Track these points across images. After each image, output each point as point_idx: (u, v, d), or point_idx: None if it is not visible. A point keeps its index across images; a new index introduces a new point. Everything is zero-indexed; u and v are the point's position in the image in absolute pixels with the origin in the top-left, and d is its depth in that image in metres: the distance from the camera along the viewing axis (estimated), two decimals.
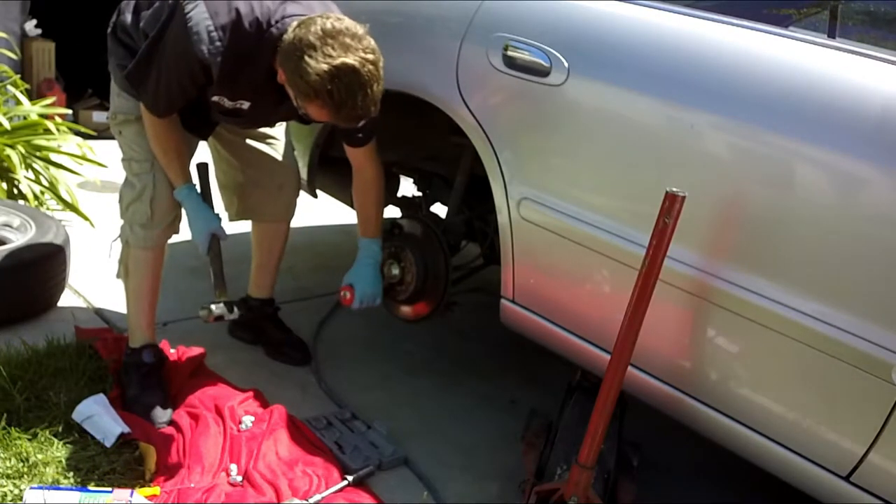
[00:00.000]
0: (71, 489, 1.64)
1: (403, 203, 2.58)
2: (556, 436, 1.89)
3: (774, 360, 1.51)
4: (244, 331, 2.45)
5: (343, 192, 2.60)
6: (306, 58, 1.59)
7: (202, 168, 2.05)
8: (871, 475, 1.41)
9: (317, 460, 1.89)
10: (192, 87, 1.79)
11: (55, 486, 1.67)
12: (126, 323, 2.14)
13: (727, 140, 1.56)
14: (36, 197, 3.13)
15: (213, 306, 2.02)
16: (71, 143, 3.31)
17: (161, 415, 1.96)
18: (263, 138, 2.21)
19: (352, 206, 2.24)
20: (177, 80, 1.77)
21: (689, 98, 1.58)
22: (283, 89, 1.73)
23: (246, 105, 1.84)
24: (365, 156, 2.03)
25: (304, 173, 2.40)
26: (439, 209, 2.49)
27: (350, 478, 1.84)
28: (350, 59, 1.59)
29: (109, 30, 1.96)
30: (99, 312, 2.51)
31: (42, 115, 3.35)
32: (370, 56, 1.62)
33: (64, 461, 1.77)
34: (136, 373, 2.04)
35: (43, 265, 2.38)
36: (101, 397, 1.96)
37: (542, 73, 1.77)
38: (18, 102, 3.43)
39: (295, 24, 1.66)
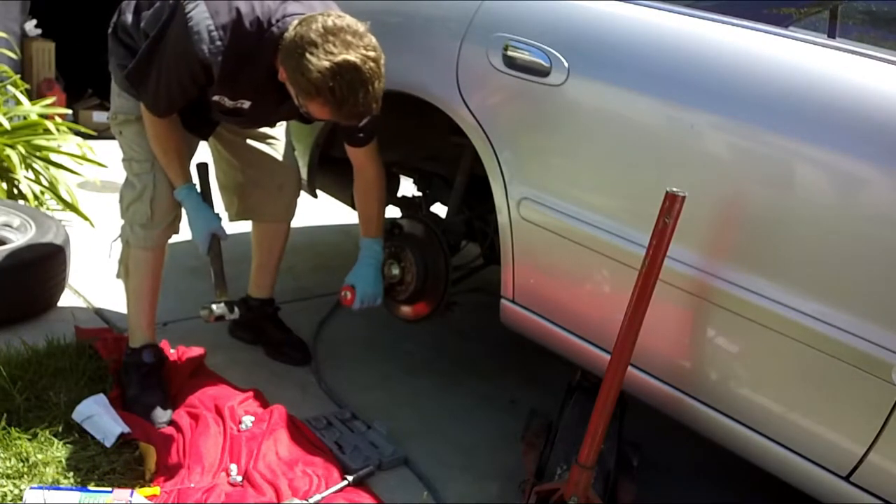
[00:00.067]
0: (71, 489, 1.64)
1: (403, 203, 2.58)
2: (556, 436, 1.89)
3: (774, 360, 1.51)
4: (244, 331, 2.45)
5: (343, 192, 2.60)
6: (308, 55, 1.59)
7: (202, 168, 2.05)
8: (871, 475, 1.41)
9: (317, 460, 1.89)
10: (193, 87, 1.79)
11: (55, 486, 1.67)
12: (126, 323, 2.14)
13: (727, 140, 1.56)
14: (36, 197, 3.13)
15: (213, 306, 2.03)
16: (71, 143, 3.31)
17: (161, 415, 1.96)
18: (264, 138, 2.21)
19: (352, 206, 2.24)
20: (177, 80, 1.77)
21: (689, 98, 1.58)
22: (284, 88, 1.73)
23: (247, 104, 1.84)
24: (366, 155, 2.03)
25: (304, 173, 2.40)
26: (439, 209, 2.49)
27: (350, 478, 1.84)
28: (351, 56, 1.59)
29: (110, 30, 1.96)
30: (99, 312, 2.51)
31: (42, 115, 3.35)
32: (371, 53, 1.62)
33: (64, 461, 1.77)
34: (136, 373, 2.04)
35: (43, 265, 2.38)
36: (101, 397, 1.96)
37: (542, 73, 1.77)
38: (18, 102, 3.43)
39: (296, 22, 1.66)
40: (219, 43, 1.68)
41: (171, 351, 2.24)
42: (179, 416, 1.99)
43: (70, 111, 4.37)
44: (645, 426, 2.04)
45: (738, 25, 1.59)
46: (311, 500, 1.74)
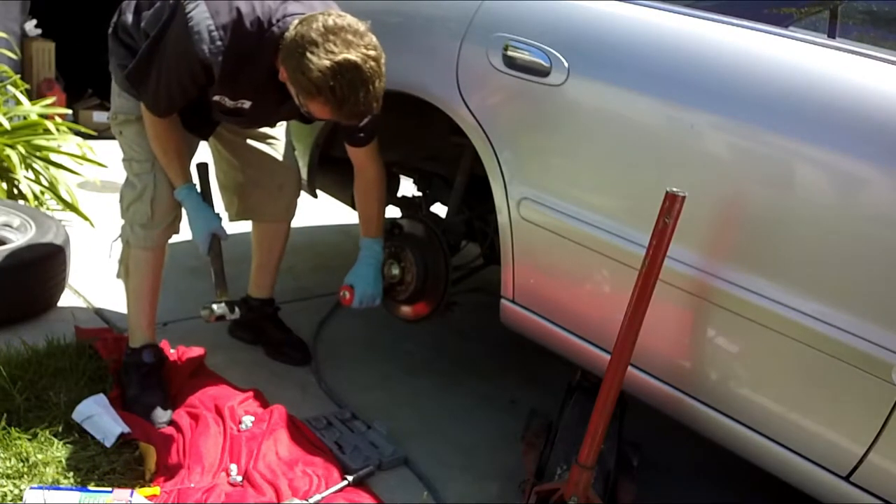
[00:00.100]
0: (71, 489, 1.64)
1: (403, 203, 2.58)
2: (556, 436, 1.89)
3: (774, 360, 1.51)
4: (244, 331, 2.45)
5: (343, 192, 2.60)
6: (308, 54, 1.59)
7: (202, 168, 2.05)
8: (871, 475, 1.41)
9: (317, 460, 1.89)
10: (193, 87, 1.79)
11: (55, 486, 1.67)
12: (126, 323, 2.14)
13: (727, 140, 1.56)
14: (36, 197, 3.13)
15: (214, 306, 2.02)
16: (71, 143, 3.31)
17: (161, 415, 1.96)
18: (264, 138, 2.21)
19: (352, 206, 2.24)
20: (177, 80, 1.77)
21: (689, 98, 1.58)
22: (285, 88, 1.73)
23: (247, 104, 1.84)
24: (367, 155, 2.03)
25: (304, 173, 2.40)
26: (439, 209, 2.49)
27: (350, 478, 1.84)
28: (352, 56, 1.59)
29: (110, 30, 1.96)
30: (99, 312, 2.51)
31: (42, 115, 3.35)
32: (372, 52, 1.62)
33: (64, 461, 1.76)
34: (136, 373, 2.04)
35: (43, 265, 2.38)
36: (101, 397, 1.96)
37: (542, 73, 1.77)
38: (18, 102, 3.43)
39: (296, 21, 1.66)
40: (219, 43, 1.68)
41: (171, 351, 2.24)
42: (179, 416, 1.99)
43: (70, 111, 4.37)
44: (645, 426, 2.04)
45: (738, 25, 1.59)
46: (311, 500, 1.74)
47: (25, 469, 1.72)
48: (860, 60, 1.44)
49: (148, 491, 1.68)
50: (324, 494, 1.77)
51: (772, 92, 1.49)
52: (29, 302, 2.37)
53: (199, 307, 2.05)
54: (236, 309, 2.07)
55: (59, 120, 3.48)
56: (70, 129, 3.47)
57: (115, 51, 1.95)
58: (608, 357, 1.59)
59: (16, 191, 3.08)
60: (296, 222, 2.35)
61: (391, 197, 2.58)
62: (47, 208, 3.19)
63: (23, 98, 3.44)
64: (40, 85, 4.55)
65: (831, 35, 2.31)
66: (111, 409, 1.93)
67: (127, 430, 1.87)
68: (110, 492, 1.64)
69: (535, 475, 1.78)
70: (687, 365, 1.65)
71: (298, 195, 2.33)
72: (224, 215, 2.13)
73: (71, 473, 1.73)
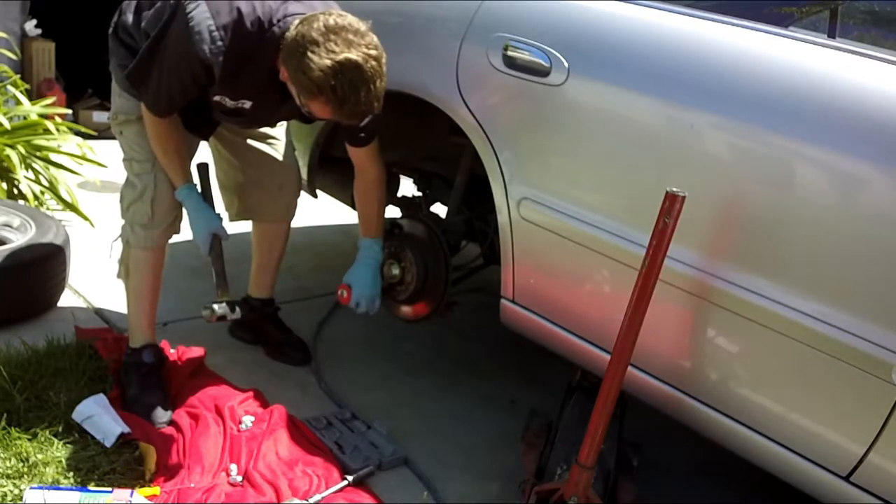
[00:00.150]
0: (71, 489, 1.64)
1: (403, 203, 2.59)
2: (556, 436, 1.89)
3: (774, 360, 1.51)
4: (244, 331, 2.45)
5: (343, 192, 2.60)
6: (309, 54, 1.59)
7: (202, 168, 2.05)
8: (871, 475, 1.41)
9: (317, 460, 1.89)
10: (194, 87, 1.79)
11: (55, 486, 1.67)
12: (126, 323, 2.14)
13: (727, 140, 1.56)
14: (36, 197, 3.13)
15: (215, 306, 2.03)
16: (71, 143, 3.31)
17: (161, 415, 1.96)
18: (264, 138, 2.21)
19: (352, 206, 2.24)
20: (178, 80, 1.77)
21: (689, 98, 1.58)
22: (286, 88, 1.73)
23: (248, 104, 1.84)
24: (367, 155, 2.03)
25: (304, 173, 2.40)
26: (439, 209, 2.50)
27: (350, 478, 1.84)
28: (353, 55, 1.59)
29: (111, 30, 1.96)
30: (99, 312, 2.51)
31: (42, 115, 3.35)
32: (373, 52, 1.62)
33: (64, 461, 1.76)
34: (136, 373, 2.04)
35: (43, 265, 2.38)
36: (101, 397, 1.96)
37: (542, 73, 1.77)
38: (18, 102, 3.43)
39: (297, 21, 1.66)
40: (220, 43, 1.68)
41: (171, 351, 2.24)
42: (179, 416, 1.99)
43: (70, 111, 4.37)
44: (645, 426, 2.04)
45: (738, 25, 1.60)
46: (311, 500, 1.74)
47: (25, 469, 1.72)
48: (860, 60, 1.44)
49: (148, 491, 1.68)
50: (324, 494, 1.77)
51: (772, 92, 1.49)
52: (29, 302, 2.37)
53: (199, 307, 2.05)
54: (237, 309, 2.08)
55: (59, 120, 3.48)
56: (70, 129, 3.47)
57: (116, 51, 1.95)
58: (608, 357, 1.59)
59: (16, 191, 3.08)
60: (296, 222, 2.35)
61: (391, 197, 2.58)
62: (47, 208, 3.19)
63: (23, 98, 3.44)
64: (40, 85, 4.55)
65: (831, 35, 2.31)
66: (111, 409, 1.93)
67: (127, 430, 1.87)
68: (110, 492, 1.64)
69: (535, 475, 1.78)
70: (687, 365, 1.65)
71: (298, 195, 2.33)
72: (224, 215, 2.14)
73: (71, 473, 1.73)
